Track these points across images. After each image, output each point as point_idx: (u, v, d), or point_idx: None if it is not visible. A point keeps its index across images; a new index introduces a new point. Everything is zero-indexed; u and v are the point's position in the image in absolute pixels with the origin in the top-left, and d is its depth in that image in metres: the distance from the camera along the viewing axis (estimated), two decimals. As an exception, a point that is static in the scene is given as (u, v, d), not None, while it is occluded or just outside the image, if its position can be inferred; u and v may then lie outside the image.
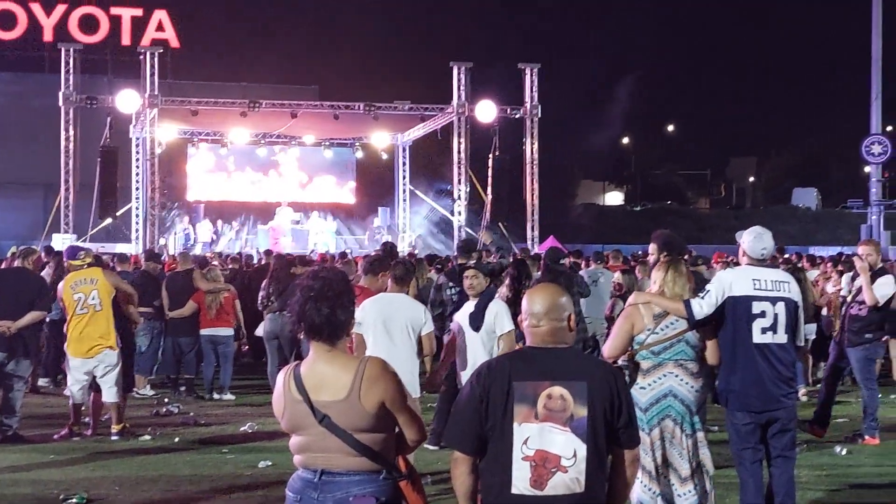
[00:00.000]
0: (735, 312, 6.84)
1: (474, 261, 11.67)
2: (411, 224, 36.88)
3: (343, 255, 21.98)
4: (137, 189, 30.87)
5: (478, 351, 8.40)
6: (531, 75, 30.56)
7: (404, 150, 36.78)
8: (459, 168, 31.02)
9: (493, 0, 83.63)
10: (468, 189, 31.56)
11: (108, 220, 29.57)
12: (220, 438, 11.25)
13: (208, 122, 32.39)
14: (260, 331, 14.27)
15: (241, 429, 11.66)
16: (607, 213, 68.10)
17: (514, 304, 8.89)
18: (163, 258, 19.22)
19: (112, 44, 42.81)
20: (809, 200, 70.01)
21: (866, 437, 10.70)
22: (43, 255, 14.73)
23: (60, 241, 25.04)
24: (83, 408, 11.32)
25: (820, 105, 78.47)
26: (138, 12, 43.52)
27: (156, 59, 28.69)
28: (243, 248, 32.95)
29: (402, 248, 29.81)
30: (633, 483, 4.45)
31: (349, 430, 4.23)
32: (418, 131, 34.56)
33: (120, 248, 27.21)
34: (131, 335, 12.65)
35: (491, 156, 30.38)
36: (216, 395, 14.06)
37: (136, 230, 30.72)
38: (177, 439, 11.15)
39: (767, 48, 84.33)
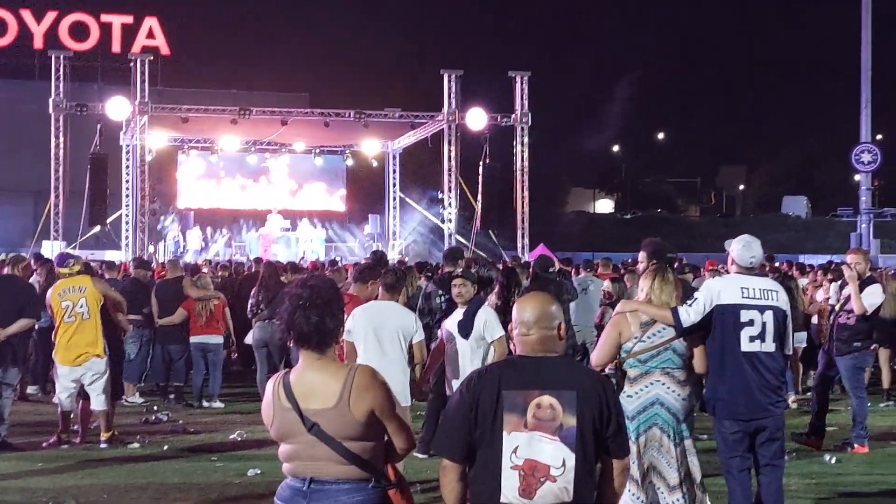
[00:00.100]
0: (723, 320, 6.85)
1: (461, 269, 11.66)
2: (402, 232, 36.89)
3: (333, 262, 21.99)
4: (127, 196, 30.82)
5: (467, 358, 8.41)
6: (521, 83, 30.60)
7: (395, 157, 36.81)
8: (450, 175, 31.05)
9: (484, 8, 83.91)
10: (459, 196, 31.58)
11: (98, 228, 29.50)
12: (209, 446, 11.22)
13: (198, 129, 32.35)
14: (249, 339, 14.24)
15: (231, 437, 11.64)
16: (597, 220, 68.29)
17: (503, 312, 8.89)
18: (152, 265, 19.18)
19: (102, 51, 42.89)
20: (799, 209, 70.29)
21: (856, 445, 10.70)
22: (32, 262, 14.68)
23: (50, 249, 24.99)
24: (72, 415, 11.29)
25: (809, 114, 78.77)
26: (129, 20, 43.58)
27: (146, 67, 28.64)
28: (233, 255, 32.93)
29: (393, 256, 29.80)
30: (622, 493, 4.44)
31: (338, 438, 4.22)
32: (409, 139, 34.58)
33: (109, 255, 27.20)
34: (120, 343, 12.60)
35: (481, 163, 30.39)
36: (205, 403, 14.03)
37: (126, 237, 30.67)
38: (166, 447, 11.11)
39: (758, 57, 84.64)
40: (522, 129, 30.61)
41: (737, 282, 7.02)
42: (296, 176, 38.10)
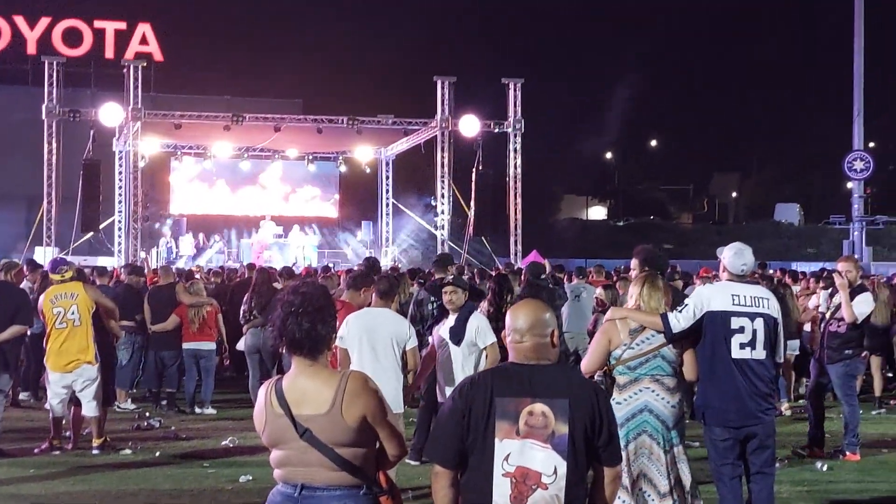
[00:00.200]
0: (713, 327, 6.88)
1: (452, 275, 11.67)
2: (395, 238, 36.88)
3: (326, 269, 21.95)
4: (120, 202, 30.77)
5: (459, 365, 8.42)
6: (514, 90, 30.61)
7: (388, 164, 36.81)
8: (443, 182, 31.04)
9: (477, 15, 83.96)
10: (452, 203, 31.58)
11: (91, 234, 29.46)
12: (201, 453, 11.20)
13: (191, 135, 32.33)
14: (242, 345, 14.23)
15: (223, 443, 11.62)
16: (590, 227, 68.33)
17: (495, 319, 8.91)
18: (145, 272, 19.16)
19: (95, 57, 42.79)
20: (792, 216, 70.35)
21: (847, 453, 10.71)
22: (25, 268, 14.65)
23: (43, 254, 24.94)
24: (63, 422, 11.27)
25: (802, 121, 78.81)
26: (122, 26, 43.50)
27: (139, 73, 28.60)
28: (226, 261, 32.90)
29: (386, 263, 29.80)
30: (613, 501, 4.45)
31: (330, 444, 4.23)
32: (402, 145, 34.57)
33: (102, 261, 27.08)
34: (112, 349, 12.58)
35: (474, 170, 30.36)
36: (197, 410, 14.01)
37: (119, 243, 30.63)
38: (158, 453, 11.10)
39: (750, 64, 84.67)
40: (515, 135, 30.61)
41: (728, 289, 7.04)
42: (289, 182, 38.11)
